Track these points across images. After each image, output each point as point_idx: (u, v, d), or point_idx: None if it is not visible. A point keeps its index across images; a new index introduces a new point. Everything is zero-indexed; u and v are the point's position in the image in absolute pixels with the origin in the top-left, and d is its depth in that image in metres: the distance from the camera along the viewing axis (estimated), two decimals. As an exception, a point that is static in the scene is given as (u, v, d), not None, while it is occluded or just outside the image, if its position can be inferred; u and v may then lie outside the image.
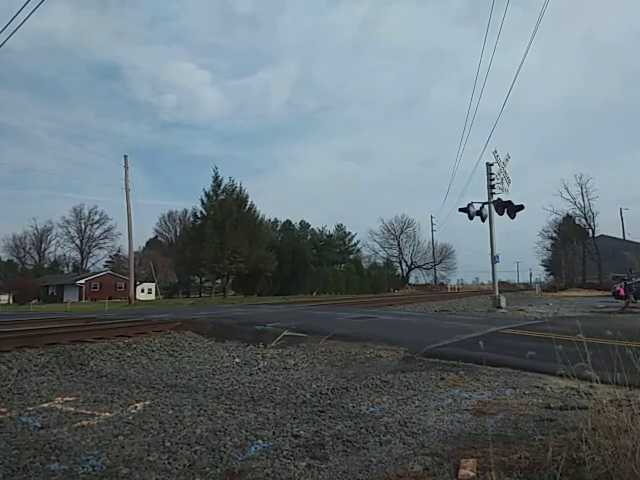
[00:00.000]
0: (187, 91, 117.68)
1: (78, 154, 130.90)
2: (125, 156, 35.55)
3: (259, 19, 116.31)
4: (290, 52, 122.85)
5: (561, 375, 3.03)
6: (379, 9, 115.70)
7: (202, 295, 57.33)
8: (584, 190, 53.74)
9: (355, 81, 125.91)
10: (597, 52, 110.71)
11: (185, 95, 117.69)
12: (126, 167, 35.26)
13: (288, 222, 69.66)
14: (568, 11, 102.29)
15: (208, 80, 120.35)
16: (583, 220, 57.04)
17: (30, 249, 76.60)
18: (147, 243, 72.95)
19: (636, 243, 52.98)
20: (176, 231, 72.49)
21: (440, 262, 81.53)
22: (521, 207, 20.06)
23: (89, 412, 4.42)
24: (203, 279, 59.03)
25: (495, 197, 20.02)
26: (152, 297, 56.85)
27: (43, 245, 77.81)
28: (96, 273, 65.74)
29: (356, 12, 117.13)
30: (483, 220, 20.02)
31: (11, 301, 52.58)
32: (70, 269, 78.28)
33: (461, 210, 20.08)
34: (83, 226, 77.49)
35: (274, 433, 3.70)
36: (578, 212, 56.63)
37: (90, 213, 77.01)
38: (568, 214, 59.32)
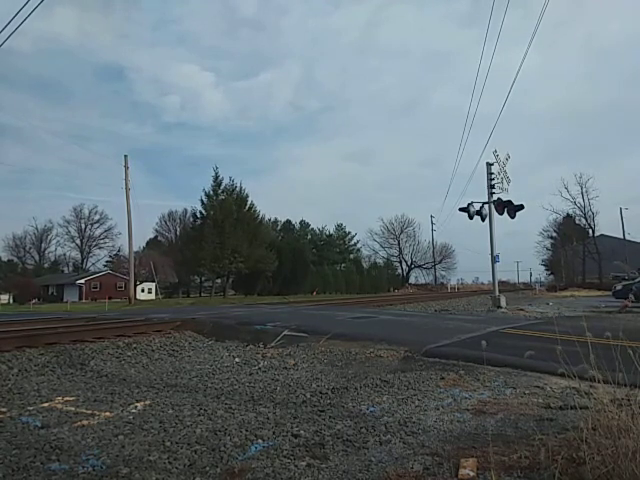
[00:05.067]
0: (191, 92, 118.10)
1: (80, 154, 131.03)
2: (125, 156, 35.55)
3: (262, 22, 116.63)
4: (293, 54, 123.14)
5: (561, 375, 3.03)
6: (381, 12, 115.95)
7: (202, 295, 57.31)
8: (584, 190, 53.90)
9: (357, 82, 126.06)
10: (597, 54, 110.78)
11: (189, 96, 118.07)
12: (126, 167, 35.24)
13: (288, 222, 69.79)
14: (568, 14, 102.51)
15: (212, 82, 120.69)
16: (583, 220, 57.17)
17: (30, 249, 76.56)
18: (147, 243, 72.84)
19: (636, 243, 53.00)
20: (176, 231, 72.36)
21: (440, 262, 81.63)
22: (521, 207, 20.05)
23: (89, 412, 4.42)
24: (203, 279, 59.04)
25: (495, 197, 20.00)
26: (152, 297, 56.77)
27: (43, 245, 77.77)
28: (96, 273, 65.62)
29: (358, 15, 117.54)
30: (483, 220, 20.01)
31: (11, 301, 52.47)
32: (70, 269, 78.20)
33: (461, 210, 20.06)
34: (83, 226, 77.52)
35: (274, 433, 3.70)
36: (578, 212, 56.79)
37: (90, 213, 77.07)
38: (568, 214, 59.46)
